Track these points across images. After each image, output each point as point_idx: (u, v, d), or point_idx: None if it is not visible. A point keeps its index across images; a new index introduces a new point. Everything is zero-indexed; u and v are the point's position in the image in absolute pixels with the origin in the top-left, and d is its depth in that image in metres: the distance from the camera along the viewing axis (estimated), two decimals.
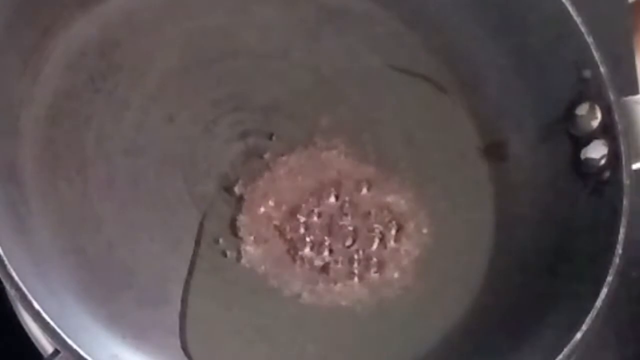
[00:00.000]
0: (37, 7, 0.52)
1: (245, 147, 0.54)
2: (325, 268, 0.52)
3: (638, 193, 0.52)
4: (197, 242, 0.51)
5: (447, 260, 0.54)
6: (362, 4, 0.57)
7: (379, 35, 0.57)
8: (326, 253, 0.52)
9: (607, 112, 0.53)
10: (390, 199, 0.54)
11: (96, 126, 0.52)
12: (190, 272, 0.51)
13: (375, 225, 0.53)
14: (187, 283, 0.51)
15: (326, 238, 0.53)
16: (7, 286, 0.44)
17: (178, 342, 0.49)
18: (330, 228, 0.53)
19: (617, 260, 0.50)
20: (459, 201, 0.55)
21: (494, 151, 0.57)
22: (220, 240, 0.52)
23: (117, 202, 0.51)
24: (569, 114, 0.54)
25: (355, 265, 0.52)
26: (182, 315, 0.50)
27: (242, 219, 0.52)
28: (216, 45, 0.55)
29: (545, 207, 0.54)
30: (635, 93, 0.54)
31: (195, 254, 0.51)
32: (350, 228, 0.53)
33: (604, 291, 0.49)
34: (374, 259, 0.53)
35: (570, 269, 0.52)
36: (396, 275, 0.53)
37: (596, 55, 0.53)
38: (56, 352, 0.44)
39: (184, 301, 0.50)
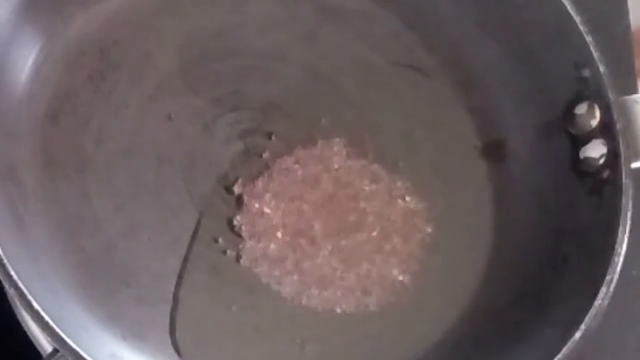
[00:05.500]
0: (37, 7, 0.52)
1: (245, 147, 0.54)
2: (324, 268, 0.52)
3: (637, 192, 0.52)
4: (196, 241, 0.51)
5: (446, 260, 0.54)
6: (360, 2, 0.57)
7: (377, 34, 0.57)
8: (326, 253, 0.52)
9: (606, 111, 0.53)
10: (389, 198, 0.54)
11: (96, 126, 0.52)
12: (188, 271, 0.51)
13: (375, 225, 0.53)
14: (186, 282, 0.51)
15: (325, 237, 0.53)
16: (7, 286, 0.44)
17: (175, 341, 0.49)
18: (329, 227, 0.53)
19: (616, 259, 0.49)
20: (458, 200, 0.55)
21: (493, 150, 0.57)
22: (220, 240, 0.52)
23: (116, 202, 0.51)
24: (568, 113, 0.54)
25: (355, 264, 0.52)
26: (181, 314, 0.50)
27: (242, 219, 0.52)
28: (215, 45, 0.55)
29: (544, 206, 0.55)
30: (635, 92, 0.54)
31: (194, 253, 0.51)
32: (350, 228, 0.53)
33: (604, 290, 0.49)
34: (374, 259, 0.53)
35: (570, 268, 0.52)
36: (395, 274, 0.53)
37: (595, 54, 0.53)
38: (55, 351, 0.44)
39: (183, 300, 0.50)
